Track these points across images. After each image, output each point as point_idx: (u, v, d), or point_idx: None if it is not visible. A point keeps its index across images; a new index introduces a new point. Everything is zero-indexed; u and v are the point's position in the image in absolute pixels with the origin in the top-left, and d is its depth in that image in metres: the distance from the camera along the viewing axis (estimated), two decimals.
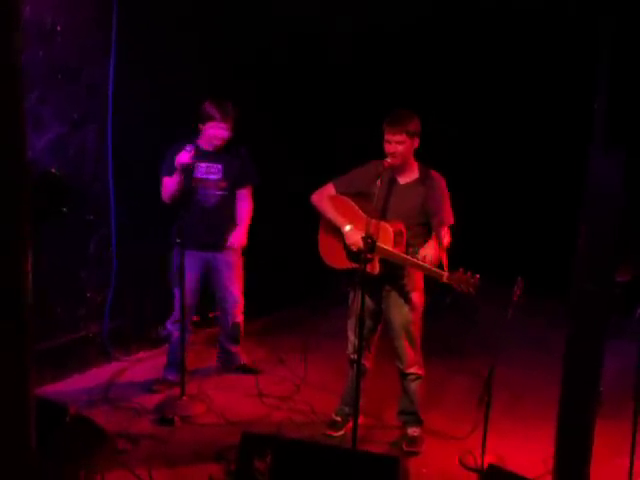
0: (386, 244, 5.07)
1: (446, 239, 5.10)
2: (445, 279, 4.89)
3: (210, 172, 6.08)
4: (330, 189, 5.42)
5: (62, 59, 5.99)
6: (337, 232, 5.32)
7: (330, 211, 5.38)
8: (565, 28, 7.48)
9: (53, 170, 5.94)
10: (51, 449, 4.69)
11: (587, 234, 4.93)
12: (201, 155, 5.95)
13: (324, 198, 5.41)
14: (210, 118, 5.97)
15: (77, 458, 4.77)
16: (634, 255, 5.91)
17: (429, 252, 5.04)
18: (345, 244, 5.28)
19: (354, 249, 5.18)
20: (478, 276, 4.81)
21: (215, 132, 6.00)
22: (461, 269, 4.86)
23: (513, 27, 7.79)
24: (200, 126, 6.02)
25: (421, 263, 5.05)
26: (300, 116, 7.93)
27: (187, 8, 6.76)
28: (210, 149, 6.05)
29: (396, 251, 5.08)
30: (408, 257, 5.08)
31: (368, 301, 5.19)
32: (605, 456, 5.19)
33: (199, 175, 6.04)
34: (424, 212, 5.17)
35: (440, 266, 4.98)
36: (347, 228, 5.26)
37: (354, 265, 5.18)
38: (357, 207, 5.29)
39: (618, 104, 4.68)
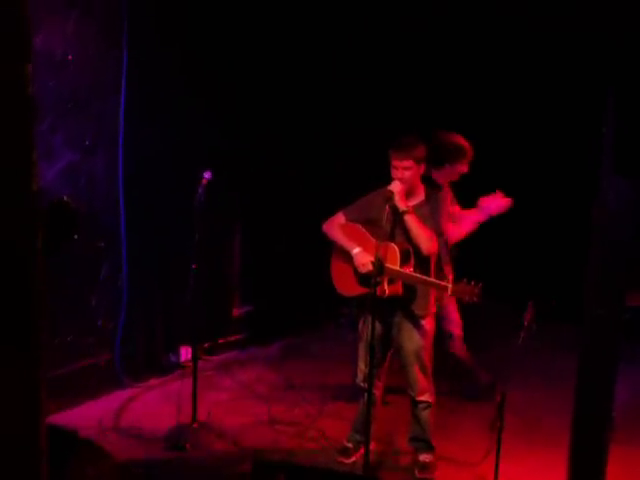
0: (393, 264, 5.09)
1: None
2: (450, 292, 4.94)
3: None
4: (340, 218, 5.47)
5: (73, 89, 6.04)
6: (348, 258, 5.34)
7: (340, 237, 5.41)
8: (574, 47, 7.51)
9: (65, 198, 5.96)
10: (62, 476, 4.71)
11: (597, 258, 4.93)
12: None
13: (335, 226, 5.45)
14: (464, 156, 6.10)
15: None
16: None
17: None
18: (355, 270, 5.29)
19: (363, 270, 5.21)
20: (481, 284, 4.85)
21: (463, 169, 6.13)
22: (464, 280, 4.90)
23: (521, 39, 7.84)
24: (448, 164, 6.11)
25: (425, 278, 5.11)
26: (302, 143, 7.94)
27: (196, 42, 6.82)
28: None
29: (403, 270, 5.11)
30: (411, 273, 5.10)
31: (378, 327, 5.19)
32: None
33: None
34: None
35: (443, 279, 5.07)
36: (356, 250, 5.30)
37: (365, 290, 5.19)
38: (367, 232, 5.32)
39: (628, 130, 4.70)
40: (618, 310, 4.90)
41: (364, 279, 5.21)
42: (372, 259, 5.03)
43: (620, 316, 4.89)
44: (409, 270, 5.13)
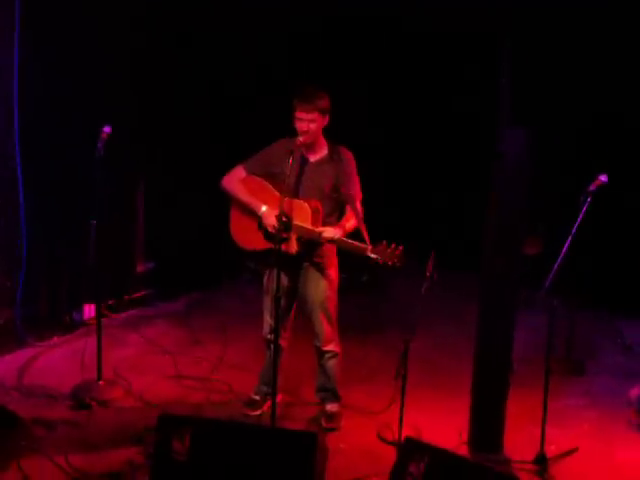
0: (304, 222, 5.07)
1: (360, 211, 5.12)
2: (369, 252, 4.86)
3: None
4: (240, 172, 5.37)
5: None
6: (251, 213, 5.28)
7: (243, 193, 5.32)
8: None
9: None
10: None
11: (494, 208, 5.03)
12: None
13: (235, 181, 5.35)
14: None
15: None
16: (542, 228, 6.05)
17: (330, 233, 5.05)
18: (260, 224, 5.25)
19: (271, 230, 5.14)
20: (402, 247, 4.83)
21: None
22: (384, 242, 4.85)
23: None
24: None
25: (344, 239, 5.05)
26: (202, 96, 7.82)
27: None
28: None
29: (315, 229, 5.09)
30: (313, 232, 5.08)
31: (284, 279, 5.20)
32: (518, 425, 5.32)
33: None
34: (336, 188, 5.18)
35: (361, 239, 4.99)
36: (263, 209, 5.21)
37: (269, 245, 5.16)
38: (271, 187, 5.26)
39: (523, 80, 4.79)
40: (516, 258, 5.03)
41: (271, 235, 5.15)
42: (275, 224, 4.99)
43: (517, 263, 5.01)
44: (318, 227, 5.12)
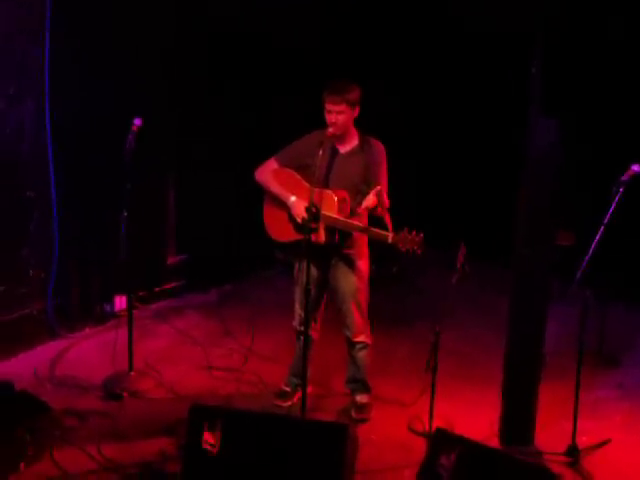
0: (330, 211, 5.08)
1: (386, 201, 5.12)
2: (390, 239, 4.88)
3: None
4: (273, 164, 5.41)
5: None
6: (282, 205, 5.32)
7: (274, 185, 5.36)
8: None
9: None
10: None
11: (526, 199, 5.00)
12: None
13: (267, 172, 5.39)
14: None
15: (23, 436, 4.74)
16: (575, 220, 6.00)
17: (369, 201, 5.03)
18: (290, 216, 5.28)
19: (299, 220, 5.18)
20: (422, 235, 4.83)
21: None
22: (406, 229, 4.87)
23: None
24: None
25: (367, 227, 5.09)
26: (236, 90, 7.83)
27: None
28: None
29: (341, 217, 5.10)
30: (353, 222, 5.11)
31: (314, 271, 5.21)
32: (549, 418, 5.30)
33: None
34: (366, 179, 5.17)
35: (384, 227, 5.00)
36: (292, 199, 5.26)
37: (300, 236, 5.18)
38: (301, 178, 5.28)
39: (554, 71, 4.74)
40: (547, 249, 4.99)
41: (300, 225, 5.19)
42: (304, 214, 5.04)
43: (549, 255, 4.98)
44: (345, 217, 5.12)
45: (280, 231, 5.38)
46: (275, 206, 5.38)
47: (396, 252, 4.91)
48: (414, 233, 4.85)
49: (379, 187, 4.98)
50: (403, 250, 4.87)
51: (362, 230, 5.14)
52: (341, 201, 5.12)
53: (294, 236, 5.29)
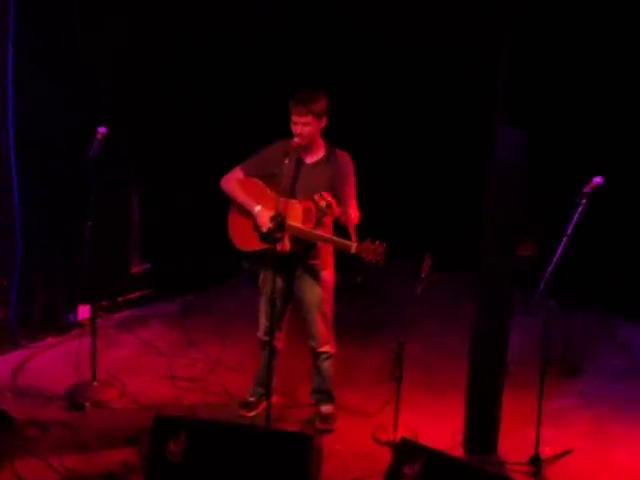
0: (295, 221, 5.08)
1: (354, 213, 5.13)
2: (354, 249, 4.90)
3: None
4: (238, 173, 5.39)
5: None
6: (247, 214, 5.31)
7: (240, 194, 5.34)
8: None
9: None
10: None
11: (491, 208, 5.04)
12: None
13: (233, 181, 5.37)
14: None
15: None
16: (537, 230, 6.05)
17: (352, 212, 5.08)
18: (255, 225, 5.27)
19: (265, 230, 5.16)
20: (385, 245, 4.85)
21: None
22: (369, 239, 4.89)
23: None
24: None
25: (331, 237, 5.10)
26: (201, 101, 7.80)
27: None
28: None
29: (305, 227, 5.10)
30: (317, 233, 5.12)
31: (279, 281, 5.20)
32: (513, 427, 5.33)
33: None
34: (331, 190, 5.17)
35: (348, 237, 5.02)
36: (257, 209, 5.25)
37: (265, 245, 5.17)
38: (267, 188, 5.28)
39: (518, 82, 4.78)
40: (511, 259, 5.03)
41: (265, 235, 5.18)
42: (269, 224, 5.04)
43: (512, 264, 5.01)
44: (309, 227, 5.13)
45: (245, 240, 5.36)
46: (240, 215, 5.36)
47: (361, 262, 4.92)
48: (377, 243, 4.87)
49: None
50: (366, 260, 4.88)
51: (326, 240, 5.15)
52: (306, 211, 5.12)
53: (259, 245, 5.28)
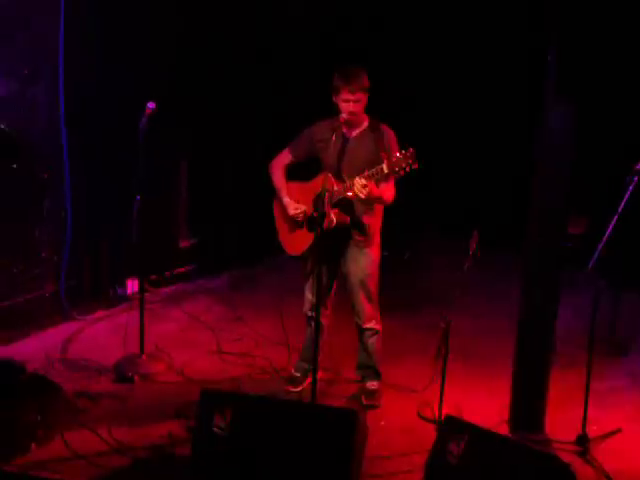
0: (331, 186, 5.13)
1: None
2: (387, 168, 4.85)
3: None
4: (285, 155, 5.47)
5: (6, 10, 5.86)
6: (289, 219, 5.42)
7: (278, 181, 5.46)
8: None
9: (2, 126, 5.85)
10: (8, 407, 4.70)
11: (539, 187, 4.98)
12: None
13: (279, 167, 5.47)
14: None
15: (34, 417, 4.77)
16: (587, 208, 5.98)
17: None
18: (296, 222, 5.38)
19: (296, 212, 5.33)
20: (412, 149, 4.82)
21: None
22: (395, 154, 4.89)
23: None
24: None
25: (364, 174, 4.99)
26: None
27: None
28: None
29: (338, 188, 5.13)
30: (351, 180, 5.06)
31: (325, 257, 5.20)
32: (560, 406, 5.28)
33: None
34: (377, 161, 5.14)
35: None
36: (286, 199, 5.40)
37: (311, 240, 5.25)
38: (304, 184, 5.41)
39: (569, 57, 4.70)
40: (558, 237, 4.97)
41: (307, 223, 5.30)
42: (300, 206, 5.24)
43: (560, 243, 4.96)
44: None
45: (293, 245, 5.47)
46: (283, 220, 5.49)
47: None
48: (403, 152, 4.85)
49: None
50: (402, 173, 4.84)
51: (368, 177, 4.99)
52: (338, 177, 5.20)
53: (306, 243, 5.33)
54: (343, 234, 5.29)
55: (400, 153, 4.85)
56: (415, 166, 4.81)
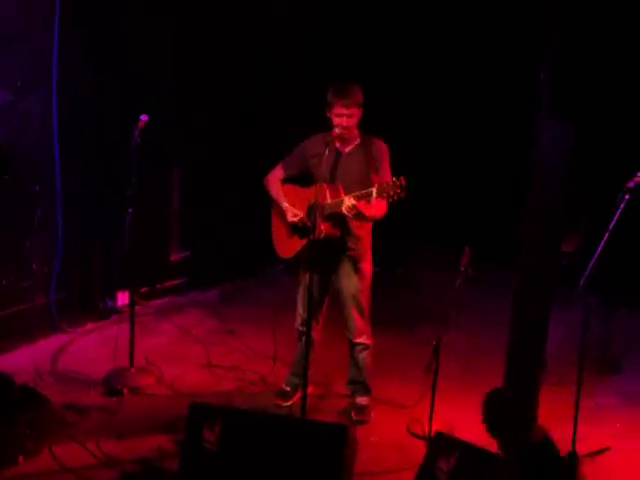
0: (324, 200, 5.13)
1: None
2: (375, 193, 4.88)
3: None
4: (279, 171, 5.49)
5: (3, 23, 5.86)
6: (284, 219, 5.40)
7: (276, 192, 5.46)
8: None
9: None
10: None
11: (534, 203, 4.99)
12: None
13: (274, 180, 5.48)
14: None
15: (23, 429, 4.74)
16: (579, 226, 5.98)
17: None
18: (290, 227, 5.37)
19: (294, 219, 5.31)
20: (404, 177, 4.83)
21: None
22: (387, 180, 4.91)
23: None
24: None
25: (353, 193, 5.03)
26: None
27: None
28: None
29: (330, 201, 5.14)
30: (341, 196, 5.10)
31: (317, 272, 5.20)
32: (550, 423, 5.26)
33: None
34: (368, 175, 5.17)
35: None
36: (285, 204, 5.38)
37: (302, 244, 5.27)
38: (301, 189, 5.40)
39: (564, 74, 4.72)
40: (553, 255, 4.97)
41: (301, 230, 5.29)
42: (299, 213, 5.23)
43: (555, 260, 4.96)
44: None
45: (285, 247, 5.48)
46: (279, 222, 5.48)
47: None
48: (394, 179, 4.86)
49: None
50: (389, 199, 4.87)
51: (353, 202, 5.03)
52: (333, 189, 5.20)
53: (297, 247, 5.35)
54: (336, 249, 5.30)
55: (391, 180, 4.87)
56: (402, 196, 4.83)
